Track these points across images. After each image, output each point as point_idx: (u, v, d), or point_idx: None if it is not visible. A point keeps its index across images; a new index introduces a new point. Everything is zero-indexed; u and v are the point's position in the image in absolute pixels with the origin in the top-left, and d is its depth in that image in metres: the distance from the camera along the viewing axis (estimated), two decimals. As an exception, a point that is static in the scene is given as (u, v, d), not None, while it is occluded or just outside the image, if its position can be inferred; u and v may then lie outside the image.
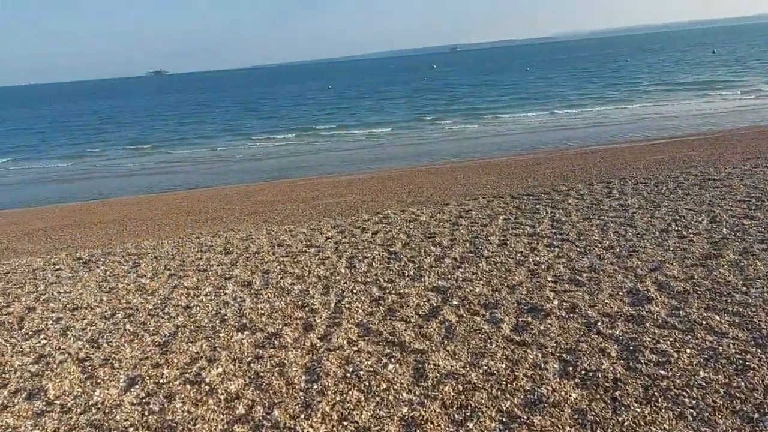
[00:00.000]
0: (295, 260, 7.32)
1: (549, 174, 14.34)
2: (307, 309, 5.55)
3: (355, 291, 5.94)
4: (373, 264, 6.87)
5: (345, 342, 4.68)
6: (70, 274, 7.69)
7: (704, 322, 4.47)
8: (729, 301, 4.84)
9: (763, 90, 37.55)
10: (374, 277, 6.37)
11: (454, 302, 5.33)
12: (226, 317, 5.50)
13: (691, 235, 6.84)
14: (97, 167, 30.13)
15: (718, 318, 4.52)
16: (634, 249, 6.53)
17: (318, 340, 4.80)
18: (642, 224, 7.56)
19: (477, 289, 5.61)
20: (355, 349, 4.58)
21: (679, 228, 7.21)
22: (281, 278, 6.60)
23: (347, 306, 5.51)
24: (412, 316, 5.10)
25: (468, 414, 3.57)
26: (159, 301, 6.15)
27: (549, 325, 4.64)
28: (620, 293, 5.23)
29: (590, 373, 3.90)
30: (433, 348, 4.47)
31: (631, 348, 4.17)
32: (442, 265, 6.61)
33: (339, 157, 27.14)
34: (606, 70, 73.18)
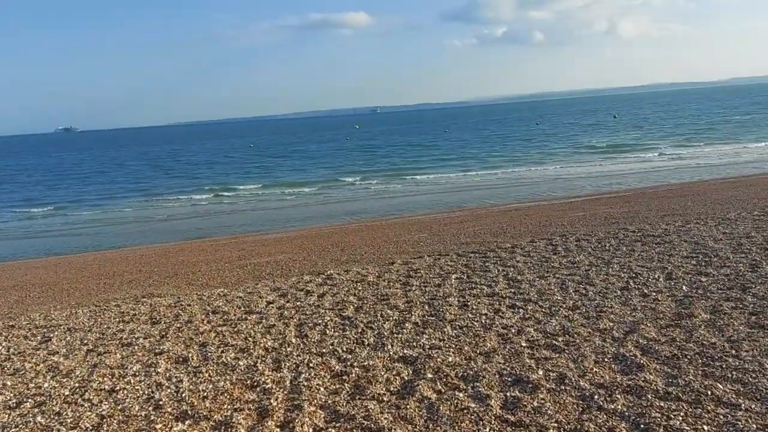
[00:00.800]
0: (236, 330, 6.56)
1: (479, 231, 14.35)
2: (258, 389, 4.79)
3: (311, 365, 5.26)
4: (327, 332, 6.25)
5: (311, 431, 4.01)
6: (-36, 353, 6.47)
7: (709, 392, 4.16)
8: (725, 366, 4.61)
9: (665, 152, 40.54)
10: (330, 347, 5.74)
11: (428, 375, 4.79)
12: (161, 403, 4.64)
13: (654, 294, 6.74)
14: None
15: (721, 387, 4.24)
16: (601, 309, 6.33)
17: (278, 430, 4.09)
18: (600, 282, 7.44)
19: (449, 358, 5.11)
20: (327, 439, 3.94)
21: (639, 286, 7.13)
22: (222, 352, 5.81)
23: (306, 383, 4.82)
24: (384, 394, 4.50)
25: None
26: (77, 385, 5.16)
27: (542, 401, 4.18)
28: (605, 359, 4.90)
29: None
30: (420, 434, 3.92)
31: (642, 427, 3.78)
32: (404, 330, 6.11)
33: (263, 216, 26.27)
34: (518, 132, 77.13)
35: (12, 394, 5.09)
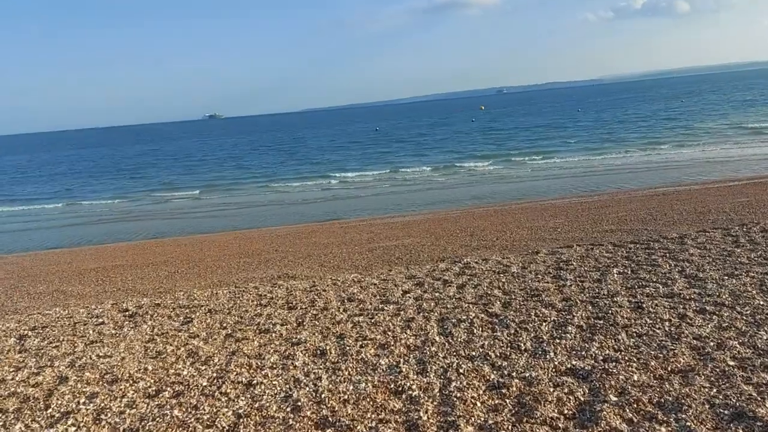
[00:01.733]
0: (373, 321, 6.10)
1: (624, 217, 12.95)
2: (404, 396, 4.23)
3: (461, 370, 4.58)
4: (474, 330, 5.54)
5: (472, 459, 3.33)
6: (113, 331, 6.63)
7: None
8: None
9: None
10: (481, 349, 5.01)
11: (611, 396, 3.91)
12: (299, 403, 4.24)
13: None
14: (148, 208, 29.96)
15: None
16: None
17: (432, 454, 3.46)
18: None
19: (634, 377, 4.17)
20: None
21: None
22: (361, 346, 5.35)
23: (458, 394, 4.16)
24: (558, 418, 3.71)
25: None
26: (215, 374, 4.94)
27: (781, 448, 3.19)
28: None
29: None
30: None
31: None
32: (567, 335, 5.23)
33: (389, 199, 26.10)
34: (660, 111, 70.86)
35: (152, 380, 4.96)
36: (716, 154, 30.90)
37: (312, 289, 8.11)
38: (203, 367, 5.12)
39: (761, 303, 5.56)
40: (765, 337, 4.71)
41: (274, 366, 5.04)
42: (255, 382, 4.68)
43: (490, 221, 15.33)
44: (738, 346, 4.57)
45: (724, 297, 5.90)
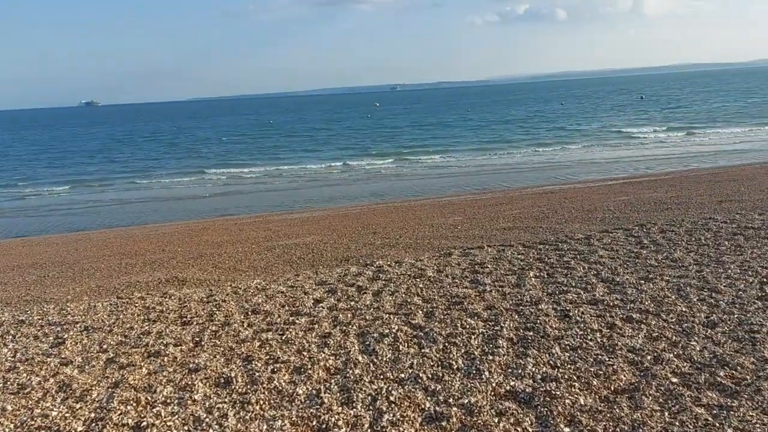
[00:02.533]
0: (284, 338, 5.38)
1: (519, 215, 13.19)
2: (330, 437, 3.61)
3: (392, 398, 4.04)
4: (399, 347, 5.02)
5: None
6: (-38, 360, 5.32)
7: None
8: None
9: (693, 133, 38.68)
10: (410, 370, 4.50)
11: (563, 427, 3.53)
12: (202, 453, 3.48)
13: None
14: (5, 205, 26.72)
15: None
16: (750, 327, 5.01)
17: None
18: (725, 288, 6.15)
19: (580, 400, 3.85)
20: None
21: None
22: (273, 371, 4.63)
23: (392, 430, 3.63)
24: (513, 460, 3.25)
25: None
26: (93, 414, 4.02)
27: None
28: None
29: None
30: None
31: None
32: (499, 350, 4.85)
33: (285, 195, 25.21)
34: (542, 113, 75.00)
35: (11, 426, 3.94)
36: (592, 155, 32.95)
37: (209, 299, 7.21)
38: (78, 405, 4.11)
39: (684, 309, 5.51)
40: (698, 348, 4.59)
41: (168, 401, 4.18)
42: (145, 424, 3.77)
43: (390, 218, 15.07)
44: (675, 359, 4.40)
45: (646, 303, 5.83)
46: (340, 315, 6.08)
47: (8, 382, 4.70)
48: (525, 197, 17.48)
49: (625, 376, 4.19)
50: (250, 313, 6.37)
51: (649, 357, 4.50)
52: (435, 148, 40.05)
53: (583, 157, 32.18)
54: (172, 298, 7.41)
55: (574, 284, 6.71)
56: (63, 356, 5.27)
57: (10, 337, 5.97)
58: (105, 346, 5.45)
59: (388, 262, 8.69)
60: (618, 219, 11.42)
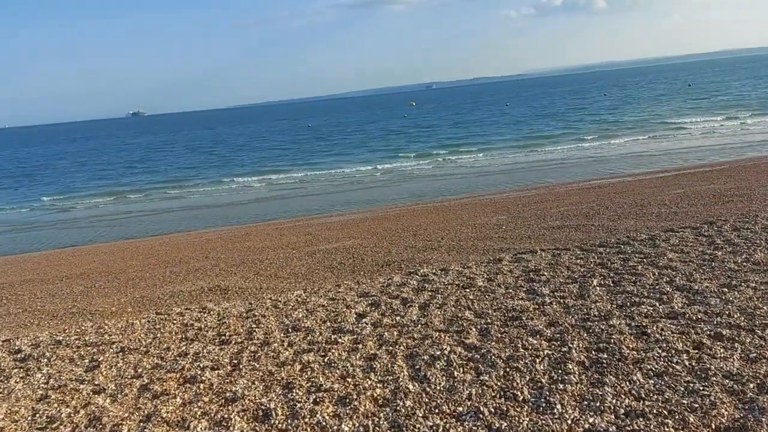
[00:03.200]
0: (327, 360, 5.16)
1: (566, 212, 12.84)
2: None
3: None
4: (453, 372, 4.61)
5: None
6: (-5, 386, 5.33)
7: None
8: None
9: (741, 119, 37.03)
10: (468, 402, 4.09)
11: None
12: None
13: None
14: (63, 216, 27.68)
15: None
16: None
17: None
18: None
19: None
20: None
21: None
22: (315, 402, 4.35)
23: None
24: None
25: None
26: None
27: None
28: None
29: None
30: None
31: None
32: (570, 377, 4.36)
33: (321, 199, 25.33)
34: (583, 105, 73.31)
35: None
36: (638, 147, 31.96)
37: (249, 314, 7.04)
38: (108, 442, 4.06)
39: (784, 325, 4.91)
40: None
41: (204, 439, 4.03)
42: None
43: (431, 219, 14.91)
44: (786, 388, 3.89)
45: (735, 316, 5.22)
46: (386, 333, 5.71)
47: (38, 415, 4.61)
48: (571, 193, 17.06)
49: (726, 410, 3.70)
50: (290, 330, 6.14)
51: (751, 385, 4.01)
52: (472, 146, 39.66)
53: (630, 149, 31.31)
54: (211, 313, 7.27)
55: (646, 294, 6.08)
56: (96, 383, 5.17)
57: (45, 360, 5.93)
58: (140, 370, 5.30)
59: (434, 270, 8.35)
60: (676, 214, 10.97)
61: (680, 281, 6.44)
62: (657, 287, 6.32)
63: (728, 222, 9.45)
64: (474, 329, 5.61)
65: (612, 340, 5.00)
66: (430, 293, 7.07)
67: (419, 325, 5.89)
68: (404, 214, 17.00)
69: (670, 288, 6.25)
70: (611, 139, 35.90)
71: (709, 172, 18.35)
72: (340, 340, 5.67)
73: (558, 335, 5.25)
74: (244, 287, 9.16)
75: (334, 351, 5.39)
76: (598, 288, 6.48)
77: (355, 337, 5.73)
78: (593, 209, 12.95)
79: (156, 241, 17.54)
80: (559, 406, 3.95)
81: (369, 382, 4.63)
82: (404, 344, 5.38)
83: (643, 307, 5.71)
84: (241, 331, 6.35)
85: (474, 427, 3.82)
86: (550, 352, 4.87)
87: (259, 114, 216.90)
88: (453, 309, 6.29)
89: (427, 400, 4.26)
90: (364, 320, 6.21)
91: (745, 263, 6.93)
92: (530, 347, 5.04)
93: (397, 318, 6.16)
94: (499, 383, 4.40)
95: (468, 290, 7.05)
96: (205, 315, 7.23)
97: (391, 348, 5.32)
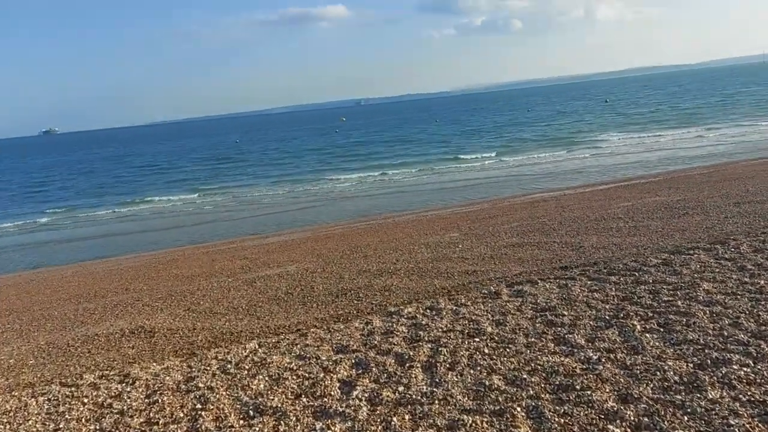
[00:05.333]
0: None
1: (519, 228, 12.15)
2: None
3: None
4: None
5: None
6: None
7: None
8: None
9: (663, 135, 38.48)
10: None
11: None
12: None
13: None
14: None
15: None
16: None
17: None
18: None
19: None
20: None
21: None
22: None
23: None
24: None
25: None
26: None
27: None
28: None
29: None
30: None
31: None
32: None
33: (255, 219, 23.78)
34: (507, 121, 74.88)
35: None
36: (569, 161, 32.35)
37: (189, 386, 5.31)
38: None
39: None
40: None
41: None
42: None
43: (378, 238, 13.89)
44: None
45: None
46: (393, 416, 4.24)
47: None
48: (517, 208, 16.51)
49: None
50: (252, 414, 4.54)
51: None
52: (405, 163, 39.01)
53: (557, 164, 31.58)
54: (137, 384, 5.53)
55: (720, 345, 4.91)
56: None
57: None
58: None
59: (420, 310, 7.00)
60: (637, 229, 10.42)
61: (748, 324, 5.36)
62: (724, 333, 5.20)
63: (744, 242, 8.59)
64: (518, 408, 4.19)
65: (727, 428, 3.76)
66: (430, 346, 5.63)
67: (436, 402, 4.42)
68: (348, 233, 15.92)
69: (743, 335, 5.14)
70: (535, 154, 36.24)
71: (646, 183, 18.35)
72: (327, 430, 4.17)
73: (646, 416, 3.94)
74: (174, 328, 7.73)
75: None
76: (648, 335, 5.29)
77: (349, 425, 4.20)
78: (547, 225, 12.35)
79: (68, 270, 15.55)
80: None
81: None
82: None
83: (732, 366, 4.49)
84: (182, 416, 4.68)
85: None
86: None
87: (182, 130, 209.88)
88: (471, 372, 4.88)
89: None
90: (354, 393, 4.69)
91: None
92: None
93: (401, 389, 4.67)
94: None
95: (478, 340, 5.66)
96: (129, 388, 5.48)
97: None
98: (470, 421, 4.09)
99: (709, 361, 4.66)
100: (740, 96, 74.75)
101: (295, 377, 5.20)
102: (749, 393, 4.16)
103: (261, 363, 5.69)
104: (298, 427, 4.29)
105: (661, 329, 5.49)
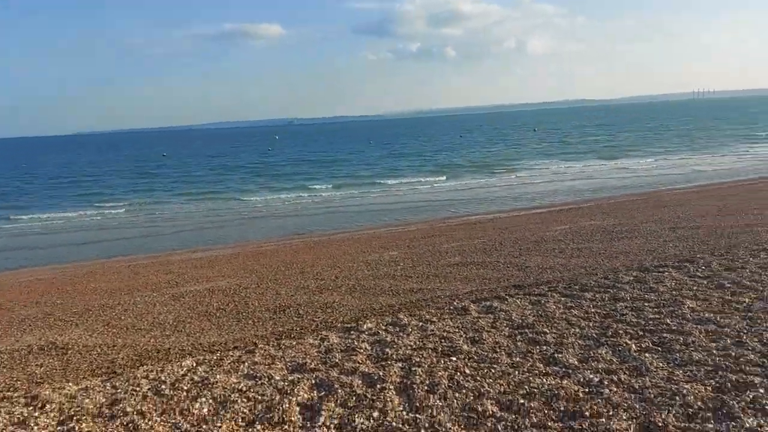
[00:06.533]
0: None
1: (460, 249, 12.05)
2: None
3: None
4: None
5: None
6: None
7: None
8: None
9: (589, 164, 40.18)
10: None
11: None
12: None
13: None
14: None
15: None
16: None
17: None
18: None
19: None
20: None
21: None
22: None
23: None
24: None
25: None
26: None
27: None
28: None
29: None
30: None
31: None
32: None
33: (179, 235, 22.61)
34: (442, 145, 76.17)
35: None
36: (500, 187, 33.09)
37: (114, 410, 4.51)
38: None
39: None
40: None
41: None
42: None
43: (314, 254, 13.44)
44: None
45: None
46: None
47: None
48: (455, 228, 16.52)
49: None
50: None
51: None
52: (331, 183, 38.60)
53: (487, 188, 32.18)
54: (48, 408, 4.62)
55: (734, 366, 4.62)
56: None
57: None
58: None
59: (382, 326, 6.44)
60: (580, 251, 10.47)
61: (753, 343, 5.13)
62: (732, 354, 4.92)
63: (707, 260, 8.72)
64: (553, 417, 3.77)
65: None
66: (400, 365, 5.04)
67: (422, 430, 3.87)
68: (281, 250, 15.35)
69: (752, 355, 4.88)
70: (467, 179, 36.79)
71: (579, 209, 18.82)
72: None
73: None
74: (91, 345, 6.94)
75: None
76: (647, 355, 4.96)
77: None
78: (488, 245, 12.29)
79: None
80: None
81: None
82: None
83: (759, 389, 4.20)
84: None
85: None
86: None
87: (110, 141, 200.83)
88: (456, 395, 4.34)
89: None
90: (320, 421, 4.03)
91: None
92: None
93: (375, 414, 4.06)
94: None
95: (455, 359, 5.13)
96: (37, 413, 4.59)
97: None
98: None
99: (729, 384, 4.35)
100: (663, 129, 79.52)
101: (245, 400, 4.52)
102: (547, 416, 4.00)
103: (202, 383, 4.96)
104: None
105: (659, 348, 5.19)
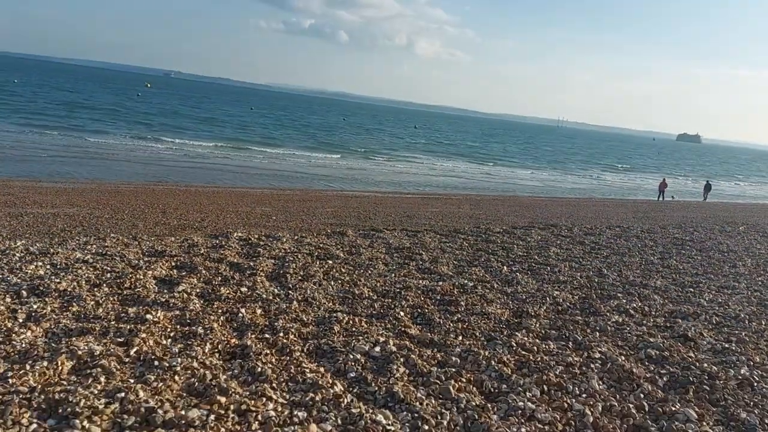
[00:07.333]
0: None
1: (336, 212, 12.29)
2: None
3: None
4: None
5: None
6: None
7: None
8: None
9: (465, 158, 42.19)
10: None
11: None
12: None
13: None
14: None
15: None
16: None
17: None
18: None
19: None
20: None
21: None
22: None
23: None
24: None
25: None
26: None
27: None
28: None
29: None
30: None
31: None
32: None
33: (20, 164, 20.31)
34: (324, 125, 75.82)
35: None
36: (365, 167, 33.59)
37: None
38: None
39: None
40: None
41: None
42: None
43: (179, 200, 12.81)
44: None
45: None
46: (241, 309, 3.64)
47: None
48: (331, 198, 16.51)
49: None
50: (26, 295, 3.55)
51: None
52: (202, 138, 36.89)
53: (363, 173, 32.50)
54: None
55: (596, 287, 5.53)
56: None
57: None
58: None
59: (255, 236, 6.43)
60: (452, 222, 10.88)
61: (612, 274, 6.21)
62: (595, 280, 5.90)
63: (569, 226, 10.31)
64: (402, 314, 4.00)
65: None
66: (273, 261, 5.06)
67: (295, 302, 3.98)
68: (143, 192, 14.40)
69: (612, 280, 5.93)
70: (346, 160, 36.97)
71: (448, 199, 19.56)
72: (146, 314, 3.35)
73: (555, 332, 4.14)
74: None
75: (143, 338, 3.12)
76: (518, 275, 5.62)
77: (177, 313, 3.51)
78: (361, 213, 12.51)
79: None
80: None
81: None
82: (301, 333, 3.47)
83: (616, 301, 5.08)
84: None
85: None
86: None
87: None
88: (333, 284, 4.54)
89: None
90: (179, 288, 3.99)
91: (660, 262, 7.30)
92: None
93: (244, 289, 4.11)
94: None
95: (331, 262, 5.31)
96: None
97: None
98: (346, 319, 3.73)
99: (594, 296, 5.09)
100: (531, 147, 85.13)
101: (91, 269, 4.30)
102: (644, 321, 4.61)
103: (40, 253, 4.75)
104: (100, 310, 3.54)
105: (529, 272, 5.91)
